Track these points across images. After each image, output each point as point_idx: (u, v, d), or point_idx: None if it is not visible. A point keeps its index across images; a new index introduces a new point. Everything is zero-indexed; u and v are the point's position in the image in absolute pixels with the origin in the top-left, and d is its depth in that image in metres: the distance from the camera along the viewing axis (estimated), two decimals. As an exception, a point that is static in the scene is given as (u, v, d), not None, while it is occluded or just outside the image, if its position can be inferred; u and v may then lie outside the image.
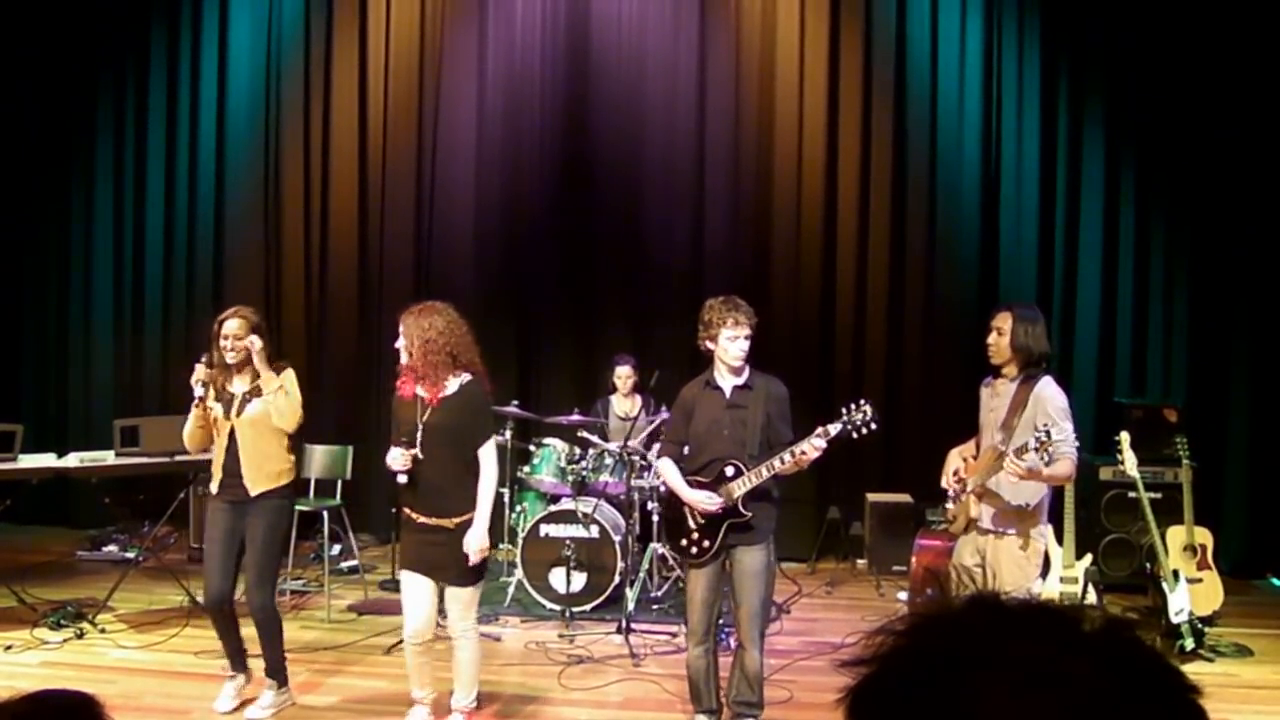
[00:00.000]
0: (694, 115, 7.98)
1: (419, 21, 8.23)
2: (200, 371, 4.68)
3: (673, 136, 8.01)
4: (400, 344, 4.43)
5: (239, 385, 4.73)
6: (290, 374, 4.77)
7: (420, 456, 4.34)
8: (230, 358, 4.66)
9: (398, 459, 4.33)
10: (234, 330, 4.66)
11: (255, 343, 4.64)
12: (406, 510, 4.44)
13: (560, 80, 8.12)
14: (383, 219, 8.33)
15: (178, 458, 6.14)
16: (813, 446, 4.22)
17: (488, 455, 4.42)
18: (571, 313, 8.14)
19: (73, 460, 6.43)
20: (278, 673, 4.83)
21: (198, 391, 4.67)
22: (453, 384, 4.40)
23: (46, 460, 6.53)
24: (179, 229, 8.58)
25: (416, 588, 4.41)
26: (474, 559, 4.34)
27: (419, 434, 4.35)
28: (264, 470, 4.68)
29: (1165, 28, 7.48)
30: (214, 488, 4.77)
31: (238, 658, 4.86)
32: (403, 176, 8.30)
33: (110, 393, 8.49)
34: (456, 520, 4.34)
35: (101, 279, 8.68)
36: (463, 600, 4.44)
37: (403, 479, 4.36)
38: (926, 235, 7.86)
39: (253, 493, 4.66)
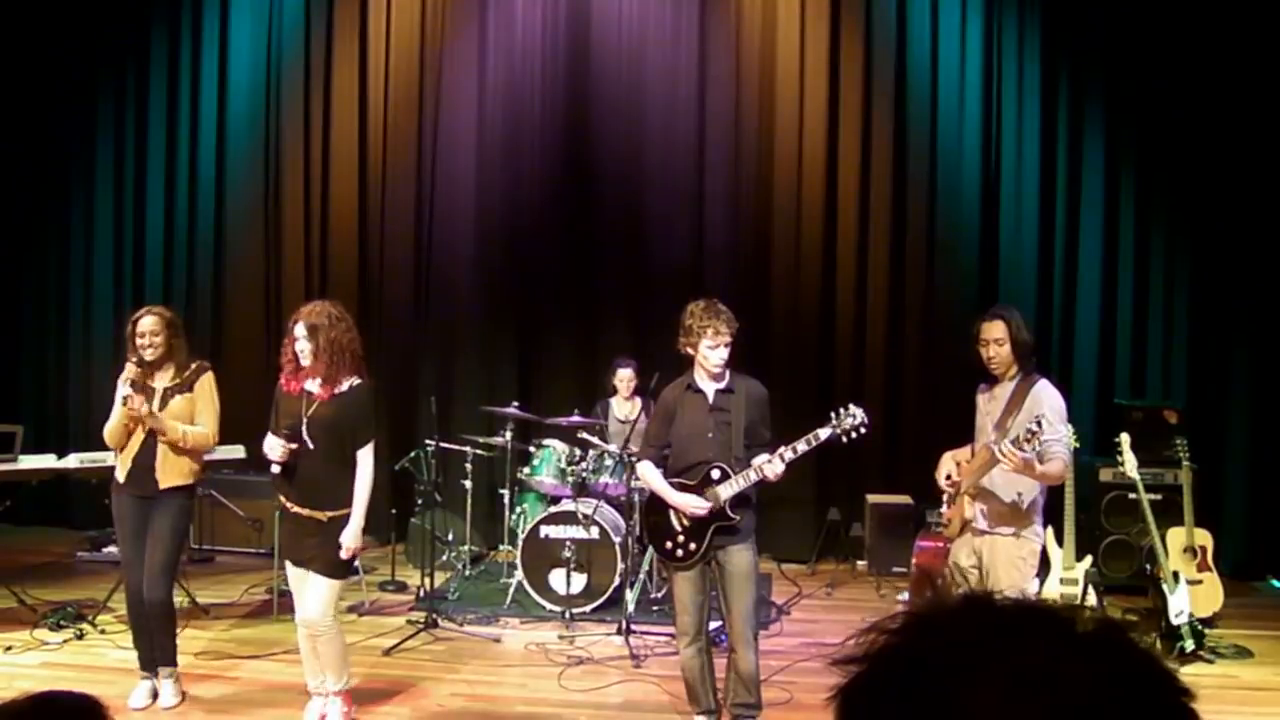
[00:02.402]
0: (694, 117, 7.98)
1: (419, 23, 8.24)
2: (130, 370, 4.71)
3: (673, 138, 8.02)
4: (301, 345, 4.46)
5: (159, 381, 4.81)
6: (209, 380, 4.85)
7: (310, 447, 4.44)
8: (149, 355, 4.72)
9: (276, 449, 4.43)
10: (150, 327, 4.74)
11: (136, 403, 4.67)
12: (282, 499, 4.55)
13: (560, 81, 8.12)
14: (383, 220, 8.34)
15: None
16: (794, 451, 4.25)
17: (366, 457, 4.52)
18: (572, 314, 8.15)
19: (73, 461, 6.43)
20: (171, 659, 4.87)
21: (125, 390, 4.68)
22: (344, 383, 4.50)
23: (46, 461, 6.53)
24: (179, 230, 8.58)
25: (300, 576, 4.52)
26: (345, 554, 4.45)
27: (303, 427, 4.44)
28: (177, 466, 4.77)
29: (1166, 30, 7.48)
30: (120, 477, 4.82)
31: (149, 660, 4.89)
32: (403, 178, 8.30)
33: (110, 393, 8.42)
34: (329, 514, 4.44)
35: (102, 280, 8.68)
36: (323, 594, 4.49)
37: (276, 469, 4.49)
38: (926, 237, 7.86)
39: (161, 485, 4.74)
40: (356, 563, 4.65)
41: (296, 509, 4.48)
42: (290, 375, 4.55)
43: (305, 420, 4.45)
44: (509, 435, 6.77)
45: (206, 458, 5.06)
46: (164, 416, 4.73)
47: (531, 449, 6.76)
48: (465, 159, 8.20)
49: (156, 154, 8.59)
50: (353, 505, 4.47)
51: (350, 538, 4.44)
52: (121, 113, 8.63)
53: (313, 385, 4.51)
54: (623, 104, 8.04)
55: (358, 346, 4.55)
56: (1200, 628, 5.70)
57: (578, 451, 6.62)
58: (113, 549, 7.55)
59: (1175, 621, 5.61)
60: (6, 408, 7.96)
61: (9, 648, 5.52)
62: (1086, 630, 0.75)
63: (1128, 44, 7.57)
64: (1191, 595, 5.76)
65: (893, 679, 0.76)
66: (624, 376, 6.98)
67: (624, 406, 7.07)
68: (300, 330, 4.47)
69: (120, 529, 4.85)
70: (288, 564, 4.59)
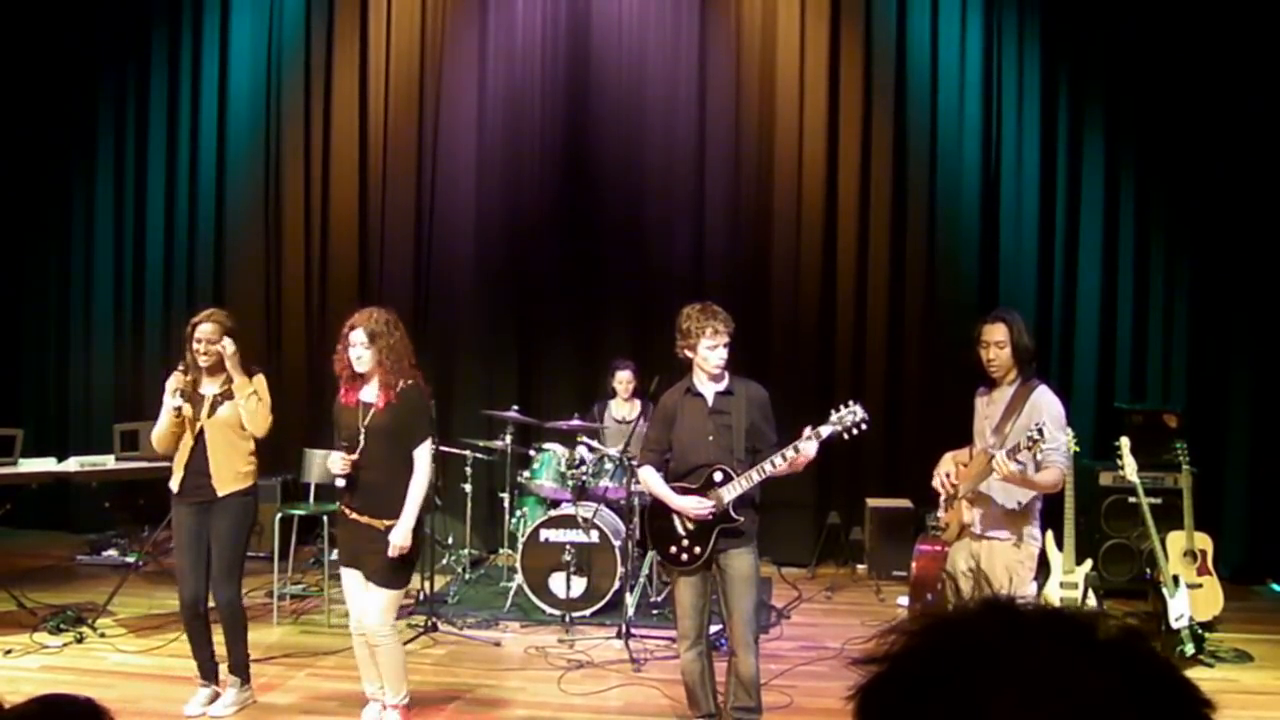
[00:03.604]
0: (694, 118, 7.99)
1: (420, 24, 8.24)
2: (177, 379, 4.72)
3: (673, 140, 8.02)
4: (359, 353, 4.45)
5: (209, 387, 4.78)
6: (261, 380, 4.83)
7: (368, 457, 4.45)
8: (203, 361, 4.71)
9: (338, 463, 4.45)
10: (207, 334, 4.71)
11: (228, 346, 4.69)
12: (343, 506, 4.56)
13: (561, 83, 8.13)
14: (383, 221, 8.34)
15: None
16: (804, 451, 4.24)
17: (422, 456, 4.53)
18: (572, 316, 8.14)
19: (73, 464, 6.43)
20: (241, 670, 4.86)
21: (175, 401, 4.69)
22: (396, 389, 4.51)
23: (46, 465, 6.53)
24: (179, 231, 8.58)
25: (354, 581, 4.54)
26: (392, 553, 4.41)
27: (361, 437, 4.45)
28: (232, 471, 4.75)
29: (1165, 33, 7.48)
30: (174, 486, 4.80)
31: (209, 668, 4.87)
32: (403, 179, 8.30)
33: (110, 397, 8.48)
34: (387, 523, 4.44)
35: (102, 282, 8.68)
36: (381, 604, 4.49)
37: (341, 482, 4.50)
38: (926, 239, 7.86)
39: (220, 493, 4.73)
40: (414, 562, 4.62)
41: (356, 516, 4.48)
42: (348, 387, 4.53)
43: (363, 430, 4.45)
44: (509, 439, 6.77)
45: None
46: (240, 369, 4.70)
47: (531, 452, 6.76)
48: (465, 160, 8.20)
49: (156, 154, 8.59)
50: (406, 505, 4.45)
51: (400, 535, 4.40)
52: (121, 113, 8.63)
53: (368, 395, 4.50)
54: (623, 106, 8.05)
55: (409, 355, 4.55)
56: (1200, 632, 5.70)
57: (577, 455, 6.62)
58: (112, 552, 7.58)
59: (1175, 625, 5.60)
60: (6, 411, 7.96)
61: (9, 651, 5.50)
62: (1107, 637, 0.75)
63: (1128, 45, 7.57)
64: (1191, 599, 5.76)
65: (912, 680, 0.76)
66: (623, 379, 6.98)
67: (622, 407, 7.06)
68: (359, 337, 4.45)
69: (176, 538, 4.83)
70: (343, 570, 4.58)
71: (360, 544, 4.48)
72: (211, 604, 4.83)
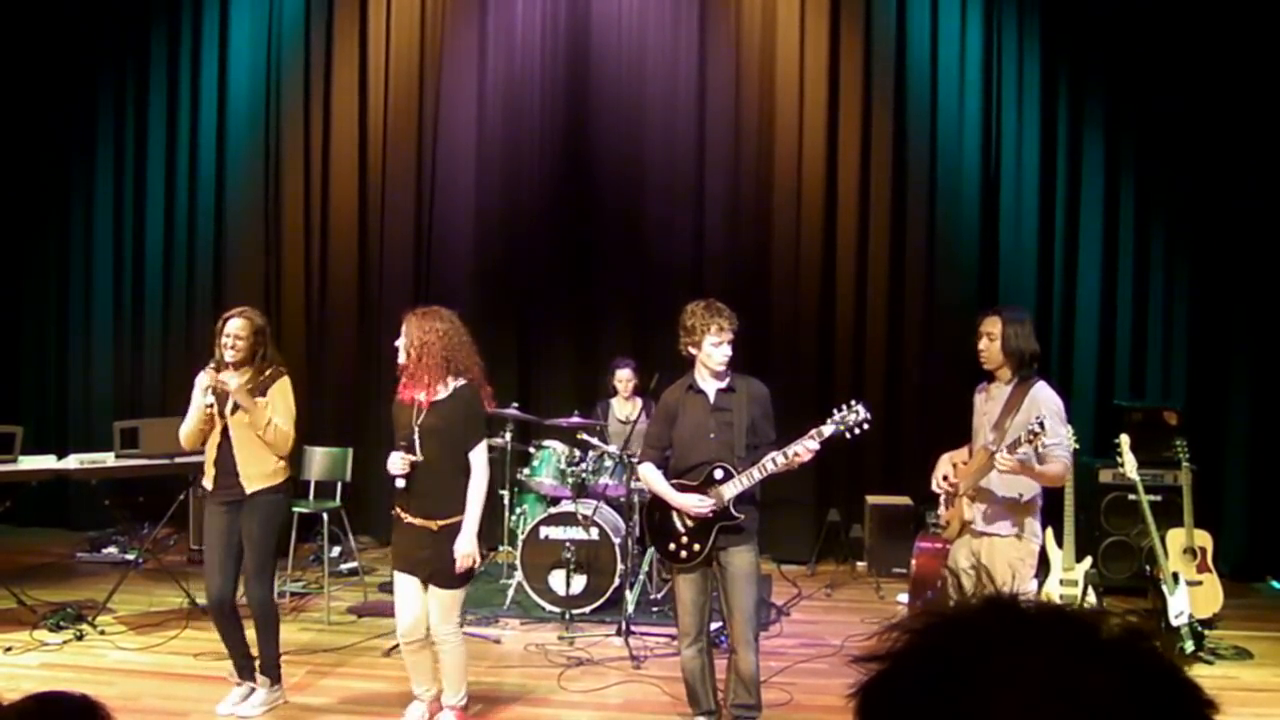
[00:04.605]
0: (694, 117, 7.99)
1: (419, 22, 8.24)
2: (209, 376, 4.69)
3: (673, 138, 8.02)
4: (400, 343, 4.47)
5: (235, 383, 4.73)
6: (285, 384, 4.79)
7: (421, 456, 4.40)
8: (229, 355, 4.68)
9: (397, 463, 4.39)
10: (236, 329, 4.69)
11: (230, 381, 4.61)
12: (398, 509, 4.50)
13: (560, 81, 8.13)
14: (383, 220, 8.34)
15: (177, 459, 6.17)
16: (805, 449, 4.24)
17: (478, 459, 4.45)
18: (571, 314, 8.15)
19: (72, 462, 6.43)
20: (271, 669, 4.84)
21: (208, 399, 4.68)
22: (446, 388, 4.45)
23: (46, 462, 6.52)
24: (179, 230, 8.58)
25: (406, 587, 4.49)
26: (460, 565, 4.37)
27: (415, 437, 4.40)
28: (259, 468, 4.72)
29: (1165, 31, 7.48)
30: (207, 484, 4.80)
31: (244, 665, 4.84)
32: (403, 178, 8.30)
33: (110, 394, 8.48)
34: (440, 523, 4.38)
35: (101, 280, 8.68)
36: (444, 604, 4.46)
37: (401, 483, 4.42)
38: (926, 237, 7.86)
39: (249, 490, 4.70)
40: (476, 565, 4.50)
41: (410, 519, 4.42)
42: (404, 384, 4.49)
43: (416, 430, 4.41)
44: (509, 436, 6.77)
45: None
46: (250, 397, 4.66)
47: (531, 450, 6.76)
48: (465, 159, 8.20)
49: (156, 154, 8.59)
50: (467, 512, 4.38)
51: (465, 545, 4.35)
52: (121, 113, 8.63)
53: (421, 393, 4.46)
54: (623, 104, 8.04)
55: (456, 352, 4.44)
56: (1200, 629, 5.70)
57: (577, 452, 6.62)
58: (112, 549, 7.58)
59: (1175, 623, 5.60)
60: (6, 408, 7.96)
61: (9, 648, 5.51)
62: (1111, 636, 0.74)
63: (1127, 44, 7.57)
64: (1191, 596, 5.76)
65: (914, 678, 0.76)
66: (623, 377, 6.99)
67: (624, 407, 7.07)
68: (403, 329, 4.46)
69: (206, 535, 4.82)
70: (397, 575, 4.52)
71: (415, 547, 4.42)
72: (243, 600, 4.81)
